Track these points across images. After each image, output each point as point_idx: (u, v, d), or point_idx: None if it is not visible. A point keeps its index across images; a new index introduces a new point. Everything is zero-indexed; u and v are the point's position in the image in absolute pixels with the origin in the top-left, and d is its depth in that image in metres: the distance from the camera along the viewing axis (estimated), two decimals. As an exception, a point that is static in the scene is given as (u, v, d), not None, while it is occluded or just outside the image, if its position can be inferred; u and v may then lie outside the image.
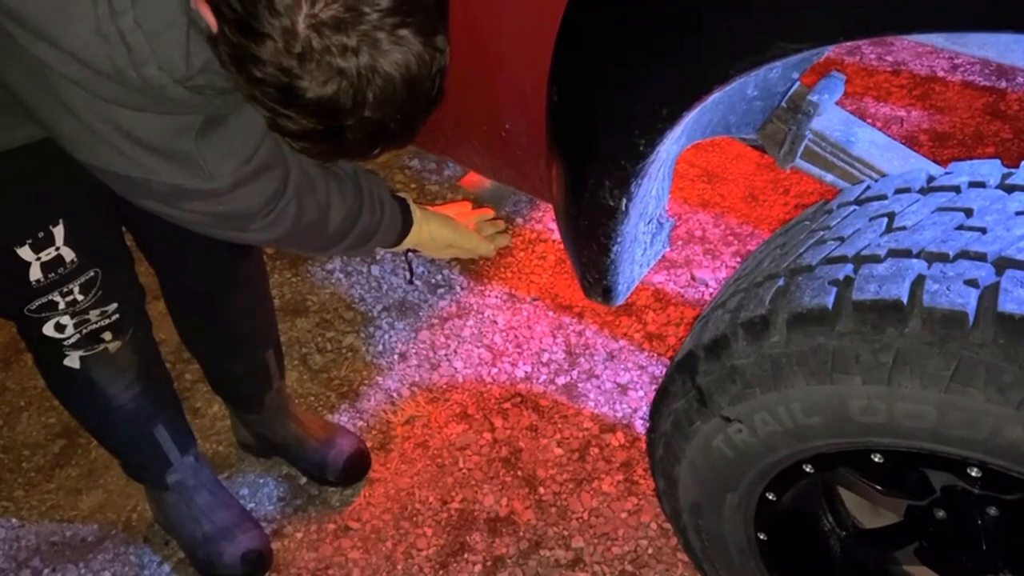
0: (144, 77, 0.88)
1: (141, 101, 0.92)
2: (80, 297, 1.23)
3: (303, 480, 1.74)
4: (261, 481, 1.76)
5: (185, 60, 0.88)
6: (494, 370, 1.90)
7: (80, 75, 0.88)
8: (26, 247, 1.14)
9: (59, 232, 1.16)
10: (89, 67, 0.87)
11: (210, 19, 0.84)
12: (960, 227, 0.89)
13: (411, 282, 2.02)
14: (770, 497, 1.07)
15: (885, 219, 0.96)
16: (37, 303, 1.20)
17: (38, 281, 1.17)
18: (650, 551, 1.59)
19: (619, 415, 1.79)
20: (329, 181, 1.15)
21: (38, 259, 1.15)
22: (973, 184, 0.96)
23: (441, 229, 1.36)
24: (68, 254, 1.17)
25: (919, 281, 0.84)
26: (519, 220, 2.22)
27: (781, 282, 0.96)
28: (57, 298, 1.21)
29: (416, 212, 1.32)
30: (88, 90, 0.90)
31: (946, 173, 1.02)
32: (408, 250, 1.37)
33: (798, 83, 1.20)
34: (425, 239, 1.34)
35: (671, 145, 1.00)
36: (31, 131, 1.05)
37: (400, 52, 0.83)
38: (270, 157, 1.04)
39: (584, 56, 0.95)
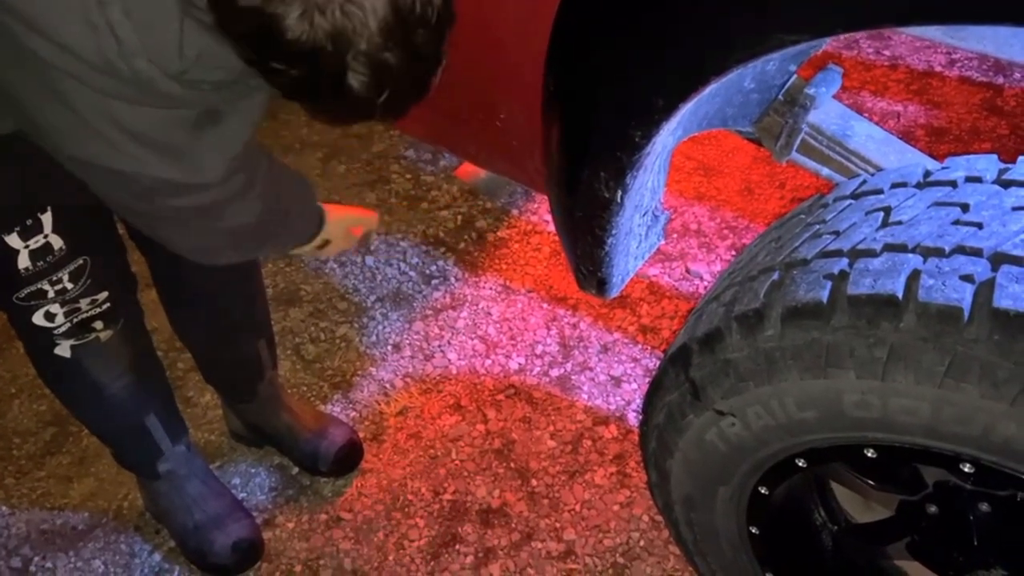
0: (134, 69, 0.87)
1: (134, 94, 0.91)
2: (70, 286, 1.22)
3: (295, 470, 1.74)
4: (253, 471, 1.76)
5: (179, 52, 0.87)
6: (488, 361, 1.89)
7: (74, 68, 0.87)
8: (14, 235, 1.13)
9: (47, 219, 1.14)
10: (82, 60, 0.86)
11: None
12: (956, 222, 0.89)
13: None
14: (762, 491, 1.07)
15: (881, 213, 0.96)
16: (26, 291, 1.19)
17: (26, 269, 1.16)
18: (642, 543, 1.59)
19: (612, 408, 1.79)
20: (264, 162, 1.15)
21: (26, 247, 1.14)
22: (969, 179, 0.96)
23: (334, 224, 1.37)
24: (56, 242, 1.16)
25: (914, 276, 0.84)
26: (514, 211, 2.21)
27: (776, 276, 0.95)
28: (46, 286, 1.20)
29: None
30: (83, 83, 0.89)
31: (942, 168, 1.01)
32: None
33: (795, 76, 1.19)
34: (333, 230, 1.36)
35: (667, 137, 1.00)
36: (20, 119, 1.04)
37: None
38: (252, 148, 1.04)
39: (581, 46, 0.95)
